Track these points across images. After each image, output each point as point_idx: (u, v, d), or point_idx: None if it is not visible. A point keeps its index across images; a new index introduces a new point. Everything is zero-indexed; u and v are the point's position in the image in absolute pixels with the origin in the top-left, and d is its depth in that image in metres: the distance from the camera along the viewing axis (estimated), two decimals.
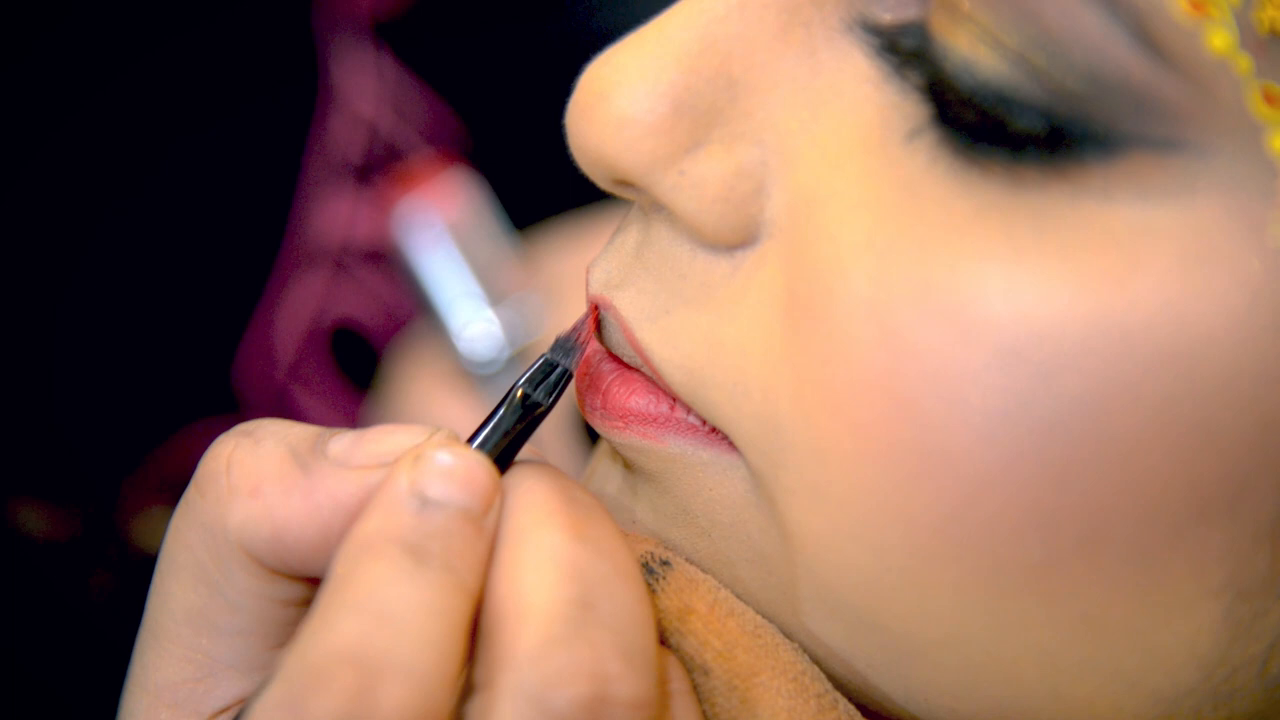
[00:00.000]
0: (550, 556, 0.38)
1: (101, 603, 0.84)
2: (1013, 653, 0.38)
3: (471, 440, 0.41)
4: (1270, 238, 0.35)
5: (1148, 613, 0.37)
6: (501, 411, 0.41)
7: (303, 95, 0.90)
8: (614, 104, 0.39)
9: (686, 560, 0.42)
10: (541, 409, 0.42)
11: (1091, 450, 0.36)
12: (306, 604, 0.41)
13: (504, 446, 0.41)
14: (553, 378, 0.42)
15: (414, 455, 0.39)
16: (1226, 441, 0.36)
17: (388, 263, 0.88)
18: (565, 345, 0.43)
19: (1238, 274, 0.35)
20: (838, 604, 0.39)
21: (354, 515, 0.39)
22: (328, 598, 0.37)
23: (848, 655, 0.40)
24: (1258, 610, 0.38)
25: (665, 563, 0.42)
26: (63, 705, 0.81)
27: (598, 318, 0.43)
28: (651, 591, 0.41)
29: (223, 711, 0.41)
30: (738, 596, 0.42)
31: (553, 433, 0.79)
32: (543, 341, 0.82)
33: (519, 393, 0.42)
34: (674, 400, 0.42)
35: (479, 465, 0.39)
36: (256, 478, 0.39)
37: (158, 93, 0.85)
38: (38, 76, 0.83)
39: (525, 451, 0.42)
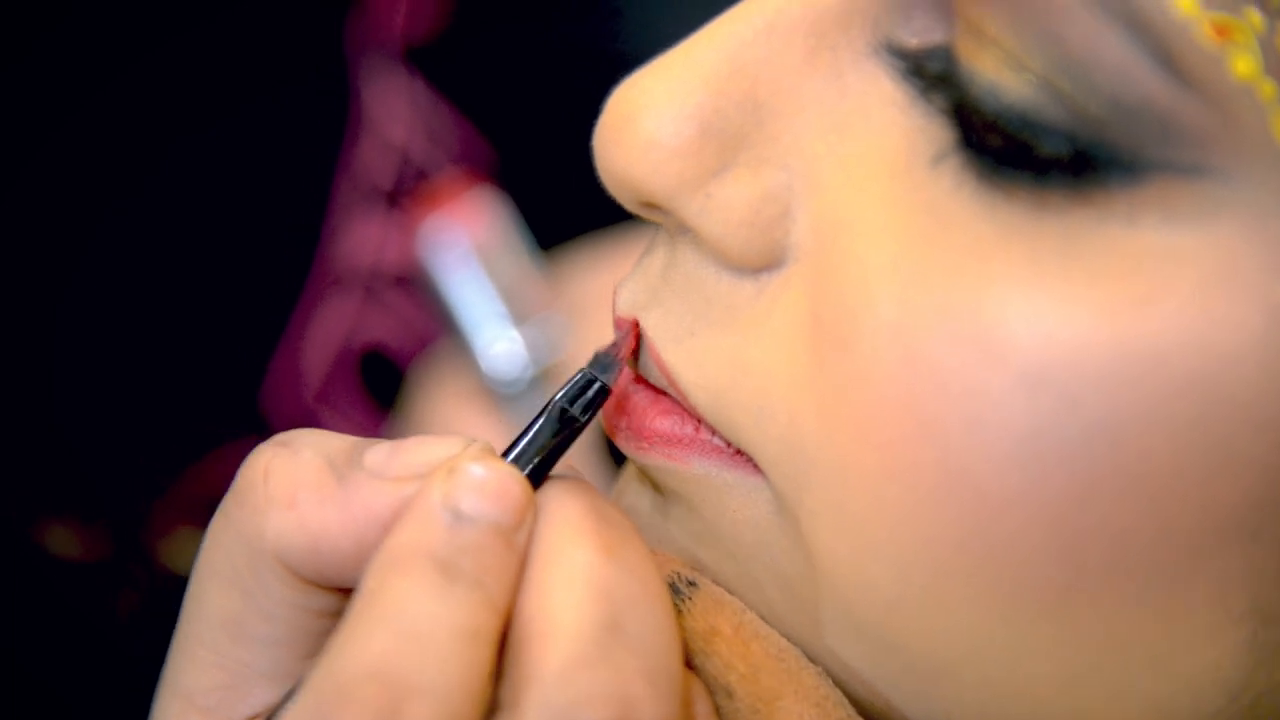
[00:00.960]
0: (580, 576, 0.38)
1: (128, 624, 0.84)
2: (1034, 674, 0.38)
3: (506, 454, 0.41)
4: None
5: (1171, 636, 0.37)
6: (538, 425, 0.41)
7: (327, 104, 0.90)
8: (641, 127, 0.40)
9: (713, 581, 0.42)
10: (579, 424, 0.42)
11: (1113, 473, 0.36)
12: (340, 615, 0.41)
13: (539, 461, 0.41)
14: (590, 393, 0.42)
15: (448, 468, 0.39)
16: (1249, 466, 0.36)
17: (417, 287, 0.88)
18: (604, 361, 0.42)
19: (1261, 299, 0.35)
20: (861, 624, 0.40)
21: (389, 527, 0.39)
22: (357, 612, 0.37)
23: (871, 677, 0.40)
24: None
25: (692, 583, 0.42)
26: None
27: (638, 334, 0.43)
28: (678, 612, 0.41)
29: (253, 719, 0.41)
30: (763, 618, 0.42)
31: (577, 449, 0.79)
32: (567, 361, 0.83)
33: (556, 407, 0.42)
34: (699, 422, 0.42)
35: (513, 480, 0.39)
36: (293, 488, 0.40)
37: (158, 93, 0.85)
38: (38, 76, 0.83)
39: (560, 467, 0.42)
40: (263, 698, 0.41)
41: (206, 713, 0.41)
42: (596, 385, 0.42)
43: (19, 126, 0.83)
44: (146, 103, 0.85)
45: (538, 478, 0.41)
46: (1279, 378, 0.35)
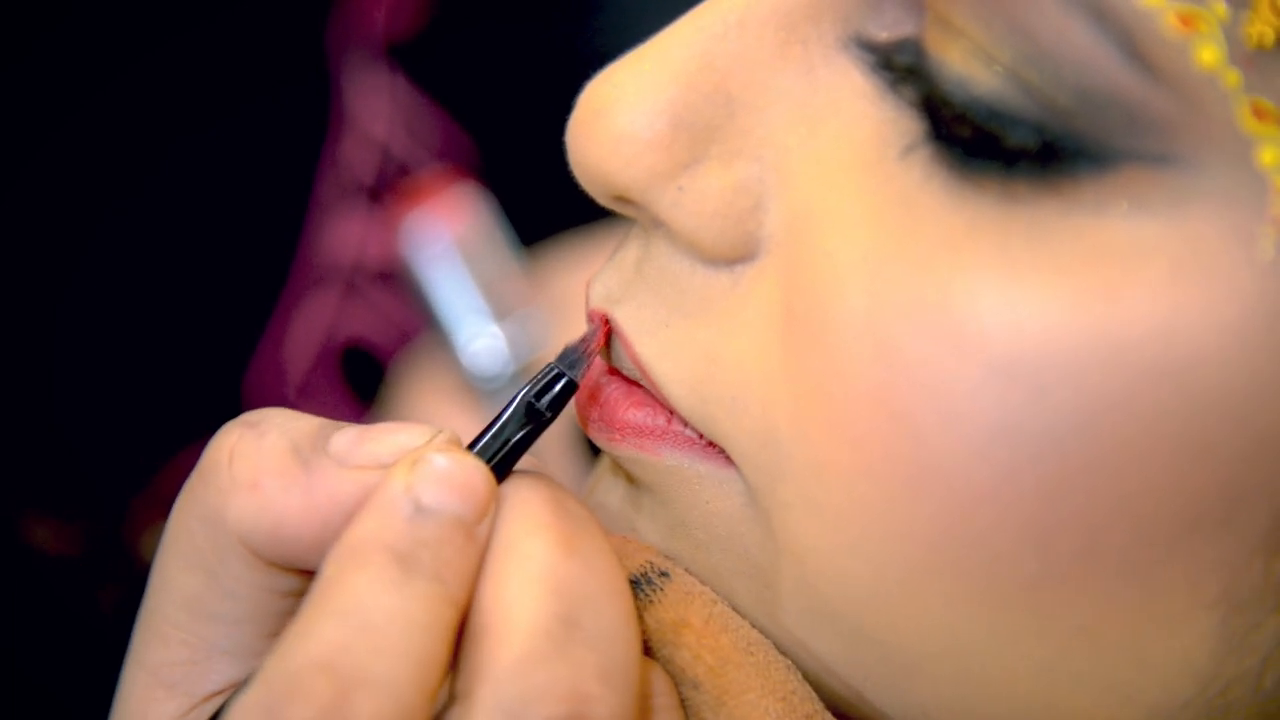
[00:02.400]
0: (538, 570, 0.38)
1: (110, 616, 0.84)
2: (1010, 666, 0.39)
3: (472, 446, 0.41)
4: (1260, 251, 0.35)
5: (1143, 626, 0.38)
6: (504, 418, 0.42)
7: (309, 101, 0.90)
8: (613, 121, 0.40)
9: (684, 569, 0.42)
10: (545, 418, 0.42)
11: (1085, 464, 0.36)
12: (302, 595, 0.41)
13: (504, 454, 0.41)
14: (558, 388, 0.42)
15: (412, 459, 0.39)
16: (1219, 455, 0.36)
17: (399, 282, 0.88)
18: (571, 356, 0.43)
19: (1229, 287, 0.35)
20: (834, 617, 0.40)
21: (352, 514, 0.39)
22: (313, 603, 0.37)
23: (844, 670, 0.41)
24: (1252, 623, 0.38)
25: (664, 574, 0.42)
26: (69, 715, 0.81)
27: (608, 330, 0.43)
28: (648, 602, 0.41)
29: (217, 694, 0.41)
30: (736, 610, 0.42)
31: (554, 443, 0.79)
32: (548, 356, 0.83)
33: (523, 401, 0.42)
34: (671, 414, 0.42)
35: (476, 472, 0.39)
36: (257, 471, 0.39)
37: (158, 93, 0.85)
38: (38, 76, 0.83)
39: (524, 462, 0.42)
40: (226, 674, 0.41)
41: (171, 688, 0.41)
42: (564, 380, 0.42)
43: (19, 126, 0.83)
44: (142, 102, 0.85)
45: (502, 471, 0.41)
46: (1248, 365, 0.35)
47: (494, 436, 0.41)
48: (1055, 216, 0.36)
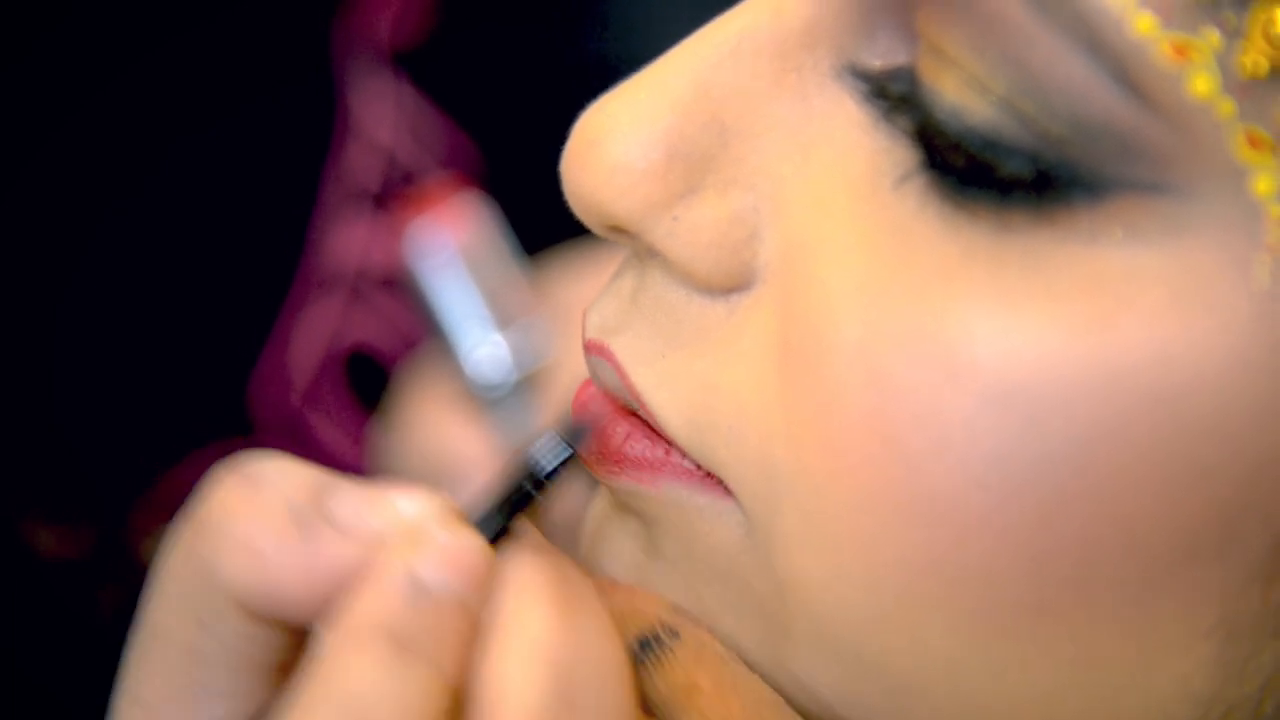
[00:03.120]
0: (535, 647, 0.38)
1: (110, 618, 0.85)
2: (1010, 694, 0.39)
3: (475, 510, 0.41)
4: (1255, 279, 0.35)
5: (1142, 653, 0.38)
6: (501, 486, 0.41)
7: (314, 106, 0.90)
8: (607, 151, 0.40)
9: (694, 623, 0.42)
10: (545, 486, 0.41)
11: (1080, 492, 0.36)
12: (295, 643, 0.41)
13: (502, 523, 0.41)
14: (559, 458, 0.42)
15: (411, 535, 0.39)
16: (1215, 482, 0.36)
17: (403, 289, 0.88)
18: (577, 428, 0.42)
19: (1224, 315, 0.35)
20: (835, 648, 0.40)
21: (346, 582, 0.39)
22: (309, 688, 0.37)
23: (849, 704, 0.40)
24: (1251, 650, 0.38)
25: (674, 633, 0.41)
26: (69, 716, 0.81)
27: (617, 408, 0.42)
28: (658, 664, 0.41)
29: None
30: (737, 646, 0.42)
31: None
32: (549, 367, 0.83)
33: (524, 467, 0.41)
34: (670, 445, 0.42)
35: (476, 549, 0.39)
36: (253, 534, 0.39)
37: (159, 93, 0.85)
38: (38, 76, 0.83)
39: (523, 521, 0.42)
40: (218, 714, 0.41)
41: None
42: (566, 452, 0.42)
43: (19, 126, 0.83)
44: (145, 103, 0.85)
45: (499, 538, 0.41)
46: (1244, 393, 0.35)
47: (493, 505, 0.41)
48: (1050, 245, 0.36)
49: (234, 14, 0.86)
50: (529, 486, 0.41)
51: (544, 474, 0.41)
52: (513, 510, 0.41)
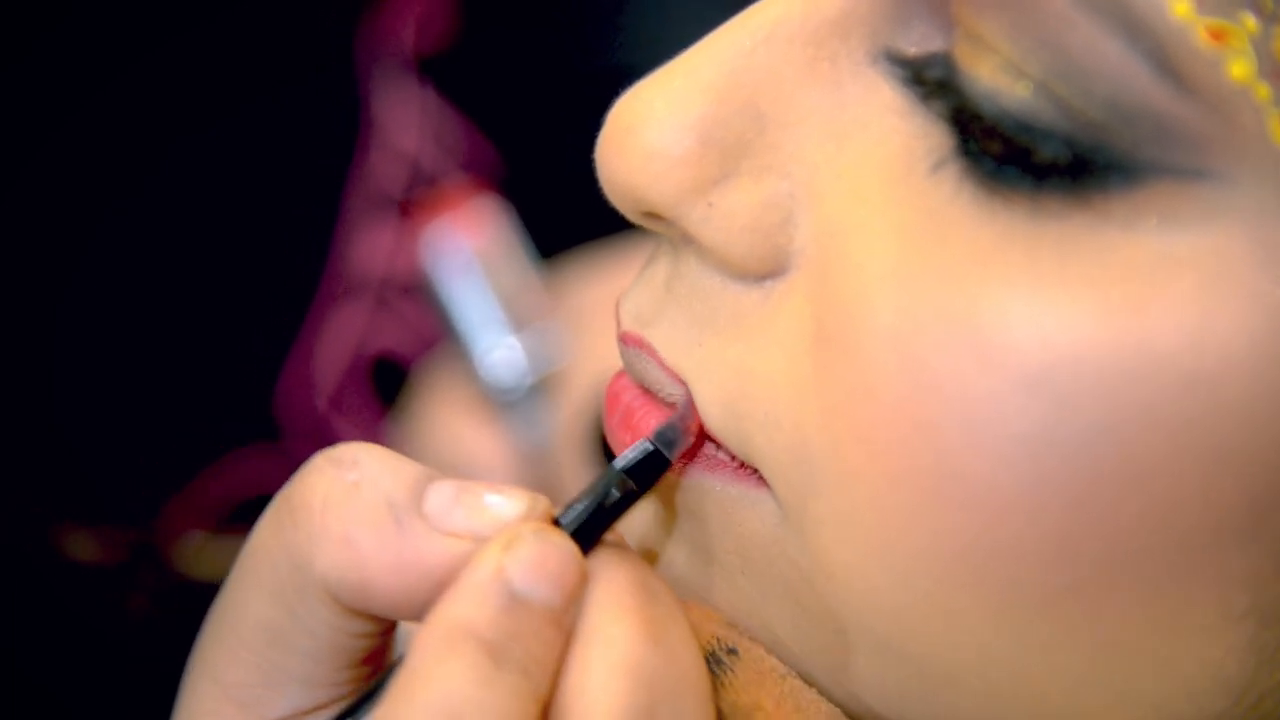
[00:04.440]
0: (621, 660, 0.38)
1: (140, 627, 0.85)
2: (1039, 678, 0.39)
3: (563, 514, 0.41)
4: None
5: (1172, 638, 0.38)
6: (595, 492, 0.41)
7: (338, 113, 0.90)
8: (642, 137, 0.40)
9: (749, 637, 0.42)
10: (636, 494, 0.41)
11: (1112, 475, 0.36)
12: (380, 635, 0.42)
13: (593, 530, 0.41)
14: (650, 464, 0.42)
15: (507, 539, 0.39)
16: (1246, 466, 0.36)
17: (420, 292, 0.88)
18: (668, 435, 0.42)
19: (1258, 300, 0.35)
20: (868, 634, 0.40)
21: (441, 582, 0.39)
22: (401, 691, 0.37)
23: (882, 692, 0.41)
24: None
25: (733, 651, 0.41)
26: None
27: (702, 429, 0.42)
28: (720, 684, 0.41)
29: (285, 719, 0.41)
30: (772, 635, 0.42)
31: (572, 455, 0.79)
32: (564, 370, 0.83)
33: (615, 474, 0.41)
34: (704, 437, 0.42)
35: (569, 557, 0.39)
36: (351, 527, 0.39)
37: (158, 92, 0.86)
38: (38, 76, 0.83)
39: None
40: (296, 700, 0.41)
41: (242, 707, 0.41)
42: (659, 457, 0.42)
43: (19, 126, 0.83)
44: (151, 104, 0.85)
45: (589, 543, 0.41)
46: (1276, 378, 0.36)
47: (583, 511, 0.41)
48: (1085, 231, 0.36)
49: (259, 21, 0.87)
50: (621, 493, 0.41)
51: (638, 483, 0.41)
52: (606, 518, 0.41)
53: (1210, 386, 0.36)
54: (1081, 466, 0.36)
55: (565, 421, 0.80)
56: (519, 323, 0.84)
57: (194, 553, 0.86)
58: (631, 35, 0.92)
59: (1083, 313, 0.36)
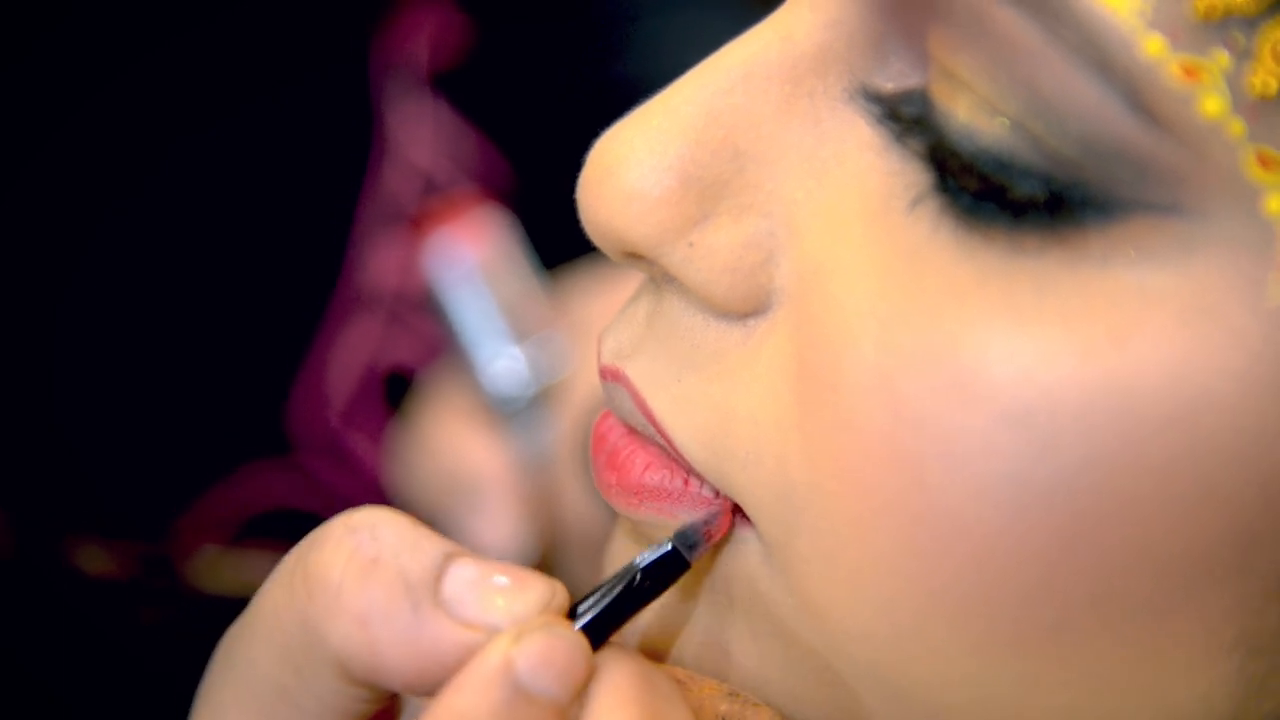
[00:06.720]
0: None
1: (151, 640, 0.85)
2: (1030, 713, 0.39)
3: (577, 606, 0.41)
4: (1268, 298, 0.35)
5: (1162, 671, 0.38)
6: (612, 588, 0.41)
7: (352, 127, 0.90)
8: (622, 179, 0.40)
9: (752, 705, 0.42)
10: (652, 593, 0.42)
11: (1096, 511, 0.36)
12: (387, 699, 0.42)
13: (605, 627, 0.41)
14: (669, 563, 0.42)
15: (518, 632, 0.39)
16: (1231, 500, 0.36)
17: (424, 303, 0.88)
18: (691, 537, 0.42)
19: (1237, 334, 0.35)
20: (856, 672, 0.40)
21: (451, 669, 0.39)
22: None
23: None
24: (1271, 667, 0.38)
25: None
26: None
27: (731, 517, 0.42)
28: None
29: None
30: (762, 676, 0.42)
31: (573, 465, 0.79)
32: (566, 381, 0.83)
33: (635, 573, 0.41)
34: (688, 474, 0.42)
35: (578, 652, 0.39)
36: (366, 609, 0.39)
37: (158, 92, 0.86)
38: (38, 76, 0.83)
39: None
40: None
41: None
42: (679, 562, 0.42)
43: (19, 126, 0.83)
44: (156, 110, 0.85)
45: (599, 640, 0.41)
46: (1257, 410, 0.36)
47: (602, 610, 0.41)
48: (1063, 267, 0.36)
49: (272, 36, 0.87)
50: (636, 591, 0.41)
51: (654, 583, 0.41)
52: (620, 614, 0.41)
53: (1192, 421, 0.36)
54: (1063, 502, 0.36)
55: (567, 431, 0.80)
56: (521, 333, 0.84)
57: (206, 566, 0.86)
58: (640, 48, 0.92)
59: (1062, 349, 0.36)
